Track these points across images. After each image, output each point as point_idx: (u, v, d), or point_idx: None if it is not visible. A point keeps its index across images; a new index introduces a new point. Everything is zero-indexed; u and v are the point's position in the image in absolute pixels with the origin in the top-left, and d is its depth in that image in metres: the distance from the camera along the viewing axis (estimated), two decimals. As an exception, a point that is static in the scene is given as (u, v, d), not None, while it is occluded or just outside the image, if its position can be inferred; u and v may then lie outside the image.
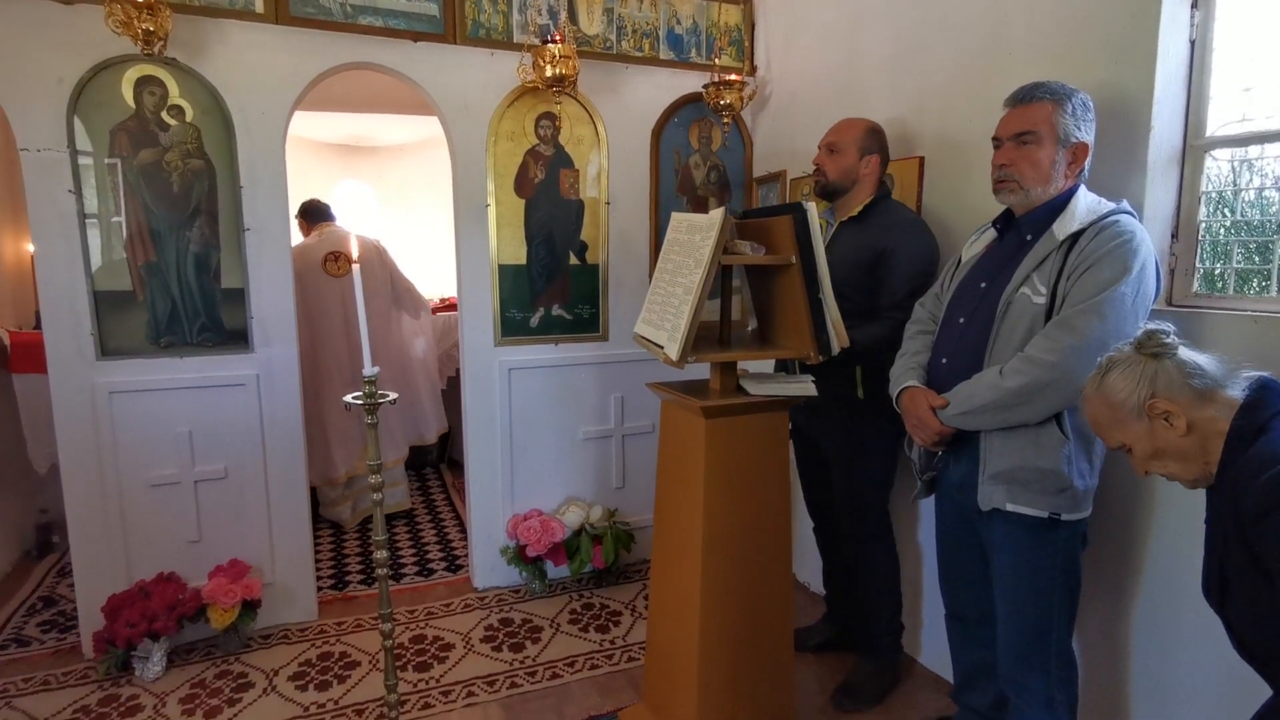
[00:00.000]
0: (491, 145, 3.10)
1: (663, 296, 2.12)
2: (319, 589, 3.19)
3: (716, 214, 1.79)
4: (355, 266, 1.84)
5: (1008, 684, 1.89)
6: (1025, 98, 1.80)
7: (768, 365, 2.83)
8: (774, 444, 2.03)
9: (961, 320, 1.89)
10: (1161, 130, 1.89)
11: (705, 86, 3.25)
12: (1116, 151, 1.93)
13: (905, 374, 1.98)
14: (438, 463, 5.19)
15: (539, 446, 3.37)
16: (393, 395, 1.85)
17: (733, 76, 3.21)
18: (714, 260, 1.78)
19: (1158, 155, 1.90)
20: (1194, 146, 1.91)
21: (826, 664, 2.72)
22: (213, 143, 2.71)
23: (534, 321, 3.27)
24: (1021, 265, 1.78)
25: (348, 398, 1.84)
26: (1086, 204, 1.76)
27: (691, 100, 3.42)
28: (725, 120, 3.32)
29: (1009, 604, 1.84)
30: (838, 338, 1.90)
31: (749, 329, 2.28)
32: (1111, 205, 1.74)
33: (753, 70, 3.47)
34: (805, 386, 2.01)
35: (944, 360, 1.92)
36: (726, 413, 1.94)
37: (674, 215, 2.26)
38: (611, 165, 3.31)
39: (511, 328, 3.24)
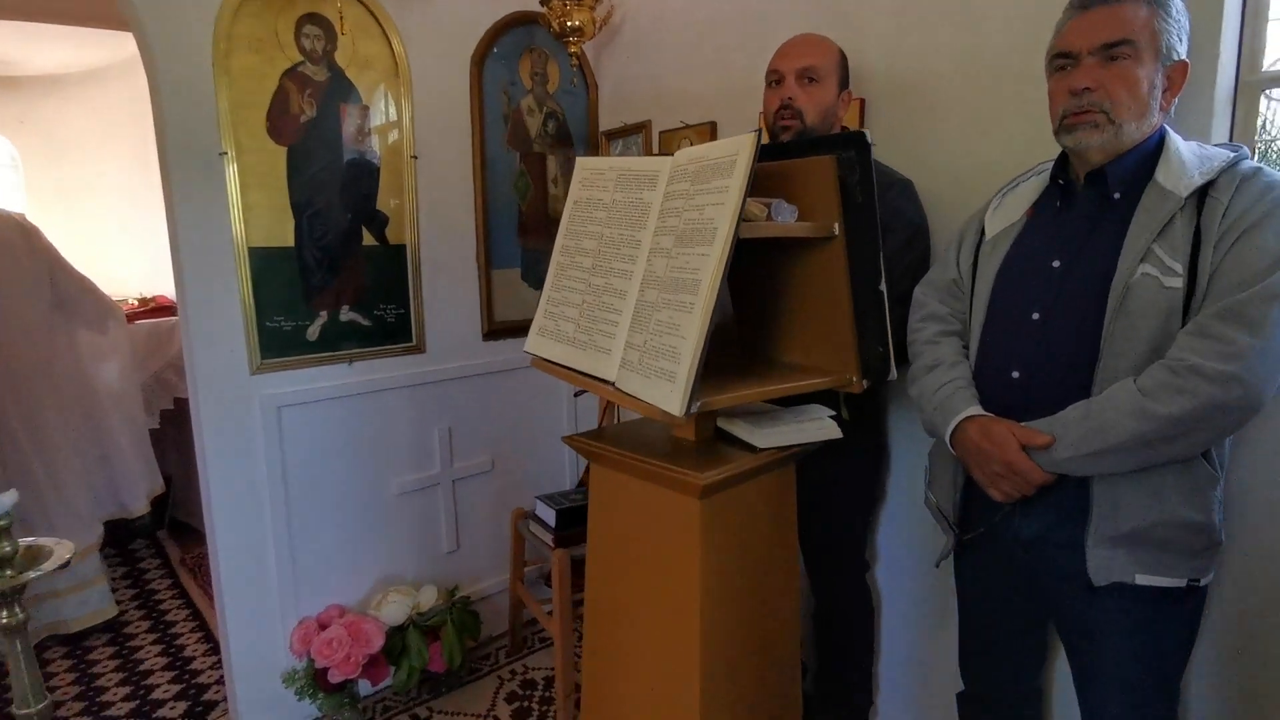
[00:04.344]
0: (221, 58, 1.95)
1: (585, 294, 1.29)
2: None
3: (741, 143, 1.00)
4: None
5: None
6: None
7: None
8: (783, 510, 1.32)
9: (1036, 316, 1.32)
10: (1224, 61, 1.47)
11: (546, 2, 2.38)
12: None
13: (955, 396, 1.37)
14: (153, 530, 3.70)
15: (332, 514, 2.30)
16: (64, 556, 0.82)
17: (582, -11, 2.39)
18: (735, 231, 0.99)
19: (1219, 92, 1.48)
20: (1248, 83, 1.51)
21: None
22: None
23: (313, 332, 2.19)
24: (1130, 234, 1.24)
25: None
26: (1189, 147, 1.27)
27: (521, 21, 2.53)
28: (573, 51, 2.47)
29: (1122, 704, 1.33)
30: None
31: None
32: (1222, 149, 1.27)
33: (594, -11, 2.66)
34: (824, 425, 1.31)
35: (1015, 375, 1.33)
36: (729, 484, 1.17)
37: (583, 162, 1.42)
38: (418, 103, 2.31)
39: (278, 344, 2.12)
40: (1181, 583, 1.24)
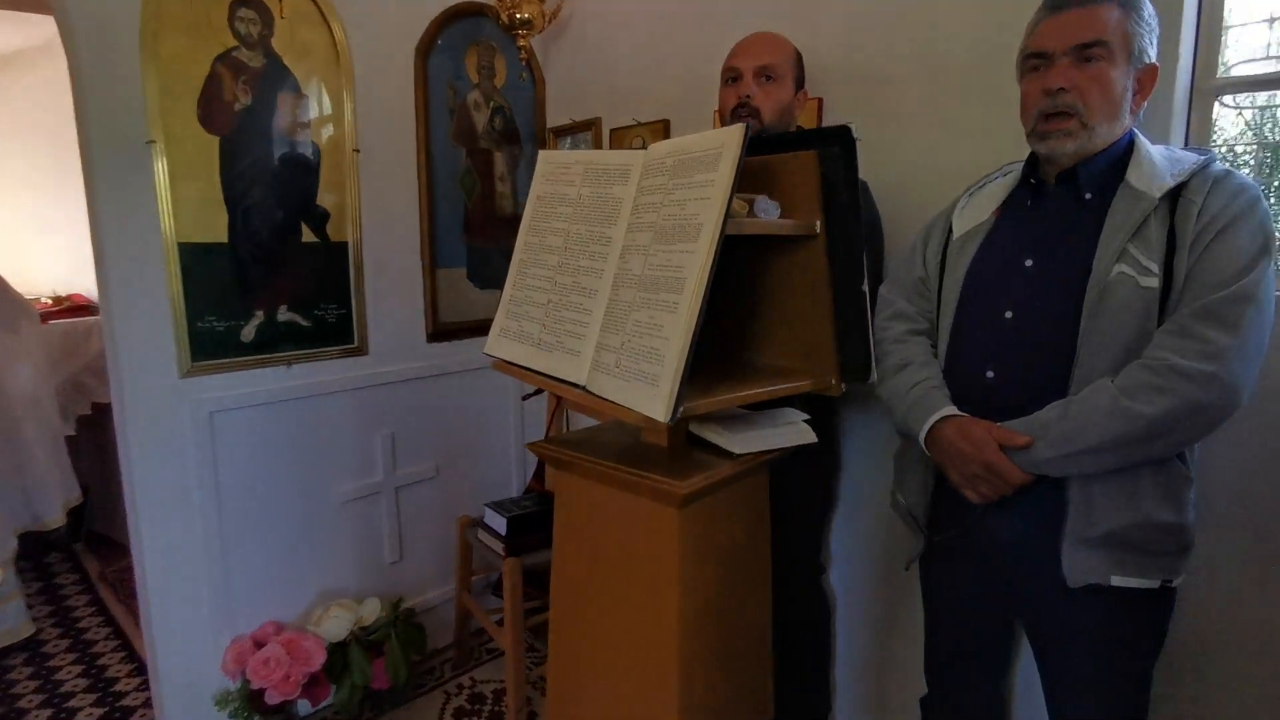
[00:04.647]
0: (149, 41, 1.83)
1: (551, 293, 1.24)
2: None
3: (728, 136, 0.97)
4: None
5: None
6: None
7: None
8: (757, 518, 1.29)
9: (1009, 315, 1.32)
10: (1180, 67, 1.51)
11: (496, -6, 2.32)
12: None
13: (929, 396, 1.36)
14: (69, 542, 3.47)
15: (268, 526, 2.18)
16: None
17: (533, -18, 2.33)
18: (723, 228, 0.96)
19: (1177, 98, 1.52)
20: (1203, 89, 1.56)
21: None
22: None
23: (249, 333, 2.07)
24: (1105, 234, 1.24)
25: None
26: (1158, 150, 1.29)
27: (468, 12, 2.46)
28: (521, 44, 2.42)
29: (1093, 705, 1.34)
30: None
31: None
32: (1189, 153, 1.29)
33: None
34: (799, 429, 1.29)
35: (990, 374, 1.34)
36: (707, 492, 1.14)
37: (546, 155, 1.38)
38: (360, 94, 2.22)
39: (210, 345, 2.00)
40: (1155, 584, 1.24)
